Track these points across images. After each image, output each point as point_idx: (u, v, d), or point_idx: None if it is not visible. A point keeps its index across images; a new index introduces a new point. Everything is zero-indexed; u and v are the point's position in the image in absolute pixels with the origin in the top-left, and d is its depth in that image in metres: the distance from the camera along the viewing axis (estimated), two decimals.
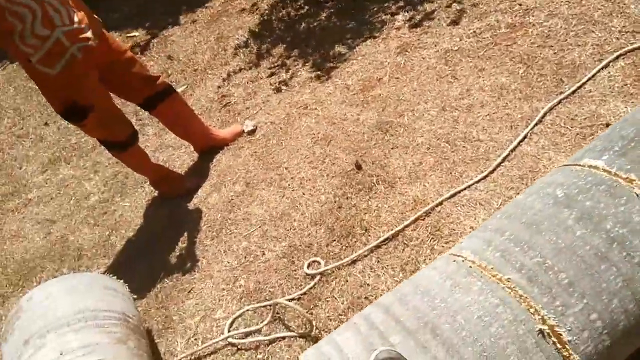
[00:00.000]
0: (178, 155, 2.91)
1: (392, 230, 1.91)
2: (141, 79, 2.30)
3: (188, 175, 2.70)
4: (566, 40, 2.28)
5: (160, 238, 2.43)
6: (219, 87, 3.32)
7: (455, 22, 2.75)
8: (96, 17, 2.14)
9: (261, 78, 3.17)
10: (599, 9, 2.34)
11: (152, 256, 2.35)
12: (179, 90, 3.43)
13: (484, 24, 2.62)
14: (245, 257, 2.10)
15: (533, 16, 2.50)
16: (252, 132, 2.75)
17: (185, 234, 2.37)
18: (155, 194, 2.70)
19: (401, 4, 3.15)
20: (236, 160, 2.63)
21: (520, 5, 2.61)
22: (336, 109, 2.60)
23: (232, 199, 2.41)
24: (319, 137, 2.48)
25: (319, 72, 2.94)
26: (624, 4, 2.28)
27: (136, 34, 4.51)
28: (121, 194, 2.84)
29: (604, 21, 2.27)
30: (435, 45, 2.66)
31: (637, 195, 1.18)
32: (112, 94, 2.28)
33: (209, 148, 2.74)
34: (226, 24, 4.01)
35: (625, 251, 1.13)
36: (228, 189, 2.48)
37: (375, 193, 2.09)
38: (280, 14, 3.77)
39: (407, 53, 2.72)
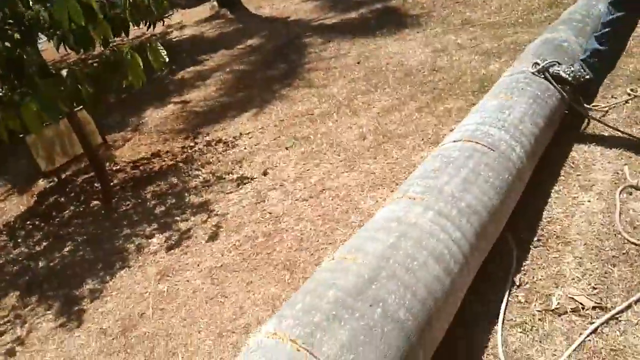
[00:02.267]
0: None
1: None
2: None
3: None
4: (318, 240, 2.43)
5: None
6: None
7: (213, 238, 2.71)
8: None
9: None
10: (337, 208, 2.62)
11: None
12: None
13: (242, 235, 2.64)
14: None
15: (284, 222, 2.64)
16: None
17: None
18: None
19: (155, 225, 3.02)
20: None
21: (271, 213, 2.76)
22: None
23: None
24: None
25: (64, 319, 2.44)
26: (355, 201, 2.62)
27: None
28: None
29: (344, 218, 2.53)
30: (198, 265, 2.52)
31: None
32: None
33: None
34: None
35: None
36: None
37: None
38: (11, 255, 3.20)
39: (168, 278, 2.50)
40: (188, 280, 2.44)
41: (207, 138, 4.05)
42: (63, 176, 4.02)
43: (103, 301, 2.48)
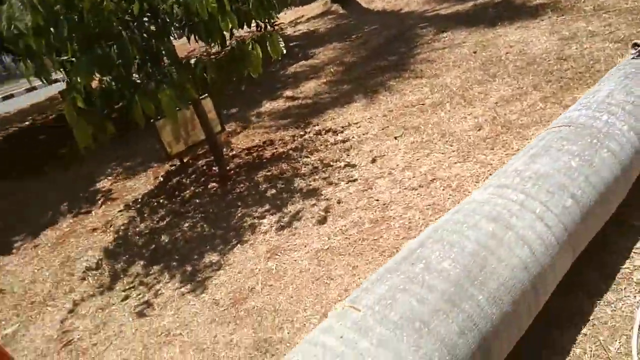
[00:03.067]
0: None
1: None
2: None
3: None
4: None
5: None
6: (61, 321, 2.77)
7: (321, 222, 2.74)
8: None
9: (113, 304, 2.73)
10: (448, 198, 2.51)
11: None
12: (7, 331, 2.81)
13: (349, 221, 2.64)
14: None
15: (392, 210, 2.59)
16: None
17: None
18: None
19: (267, 207, 3.13)
20: None
21: (378, 200, 2.72)
22: (204, 331, 2.24)
23: None
24: None
25: (182, 289, 2.62)
26: (469, 192, 2.48)
27: None
28: None
29: None
30: (306, 247, 2.57)
31: None
32: None
33: None
34: (74, 246, 3.60)
35: None
36: None
37: None
38: (138, 228, 3.52)
39: (277, 257, 2.57)
40: (295, 261, 2.49)
41: (317, 127, 4.12)
42: (185, 159, 4.33)
43: (217, 274, 2.63)
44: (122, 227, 3.60)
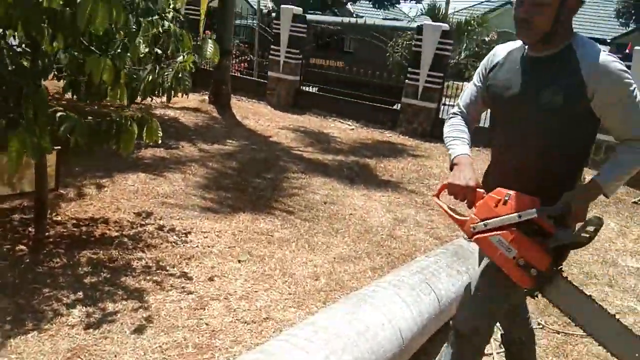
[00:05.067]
0: None
1: None
2: None
3: None
4: None
5: None
6: None
7: (139, 331, 2.55)
8: None
9: None
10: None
11: None
12: None
13: (171, 339, 2.51)
14: None
15: (219, 339, 2.55)
16: None
17: None
18: None
19: (80, 295, 2.81)
20: None
21: (207, 325, 2.66)
22: None
23: None
24: None
25: None
26: None
27: None
28: None
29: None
30: (116, 357, 2.33)
31: None
32: None
33: None
34: None
35: None
36: None
37: None
38: None
39: None
40: None
41: (161, 222, 3.98)
42: None
43: None
44: None
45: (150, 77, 3.30)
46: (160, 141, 3.41)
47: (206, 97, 9.13)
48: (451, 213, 1.84)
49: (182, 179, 5.07)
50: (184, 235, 3.79)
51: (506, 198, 1.67)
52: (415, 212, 4.98)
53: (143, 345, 2.44)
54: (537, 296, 1.69)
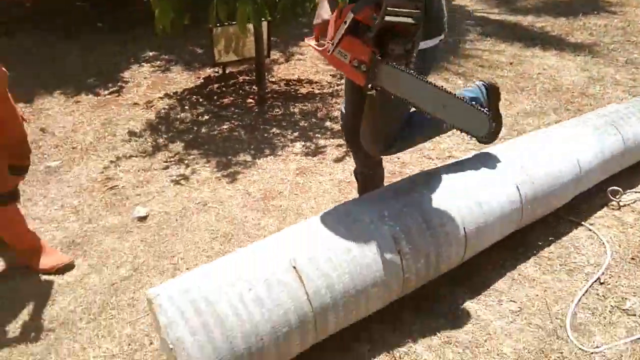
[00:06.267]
0: (47, 230, 2.61)
1: None
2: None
3: (62, 252, 2.43)
4: None
5: (26, 316, 2.07)
6: (104, 168, 3.18)
7: (339, 160, 3.18)
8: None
9: (155, 169, 3.15)
10: None
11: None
12: (51, 164, 3.20)
13: None
14: (129, 345, 1.91)
15: (409, 170, 3.05)
16: (143, 218, 2.65)
17: (55, 314, 2.07)
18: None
19: (297, 134, 3.55)
20: (122, 244, 2.47)
21: (398, 158, 3.17)
22: (237, 210, 2.70)
23: (115, 283, 2.22)
24: (219, 234, 2.51)
25: (219, 175, 3.05)
26: None
27: None
28: None
29: None
30: (330, 174, 3.02)
31: None
32: None
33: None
34: (115, 112, 3.97)
35: None
36: (111, 271, 2.29)
37: None
38: (179, 116, 3.90)
39: (305, 176, 3.02)
40: (320, 183, 2.94)
41: None
42: (228, 71, 4.67)
43: (250, 172, 3.07)
44: (164, 110, 3.97)
45: None
46: None
47: None
48: (314, 45, 1.87)
49: None
50: None
51: (341, 11, 1.68)
52: (615, 71, 4.60)
53: (344, 169, 3.07)
54: (375, 89, 1.68)
